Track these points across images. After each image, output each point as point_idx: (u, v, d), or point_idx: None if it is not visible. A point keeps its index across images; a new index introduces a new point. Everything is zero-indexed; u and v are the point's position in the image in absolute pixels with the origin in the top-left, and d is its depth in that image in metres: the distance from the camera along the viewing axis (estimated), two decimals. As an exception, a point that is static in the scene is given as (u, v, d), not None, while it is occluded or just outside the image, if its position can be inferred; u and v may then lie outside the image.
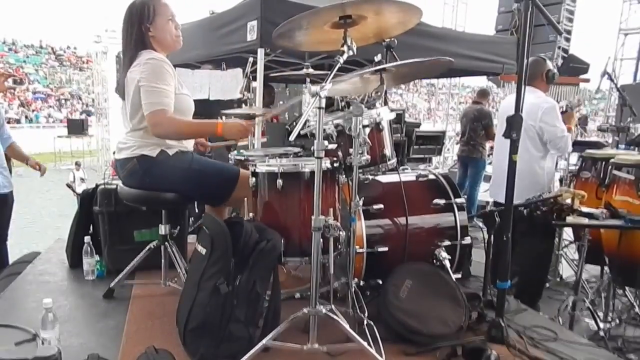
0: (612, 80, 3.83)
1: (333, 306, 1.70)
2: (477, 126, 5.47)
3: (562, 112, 3.12)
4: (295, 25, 1.73)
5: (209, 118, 3.28)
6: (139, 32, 2.00)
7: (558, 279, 3.48)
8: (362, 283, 2.12)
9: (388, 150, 2.06)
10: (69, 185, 3.04)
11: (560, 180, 4.36)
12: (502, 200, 2.92)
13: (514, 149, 1.81)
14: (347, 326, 1.64)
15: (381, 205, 2.13)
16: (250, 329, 1.66)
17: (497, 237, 2.02)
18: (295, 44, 1.91)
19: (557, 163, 3.35)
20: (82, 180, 13.58)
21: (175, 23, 2.07)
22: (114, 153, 2.21)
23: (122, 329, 1.90)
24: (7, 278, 2.54)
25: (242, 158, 2.36)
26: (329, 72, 1.62)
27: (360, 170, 1.93)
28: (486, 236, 2.19)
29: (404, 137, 4.76)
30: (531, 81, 2.84)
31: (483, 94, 5.81)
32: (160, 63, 1.94)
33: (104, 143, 17.77)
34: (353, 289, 1.85)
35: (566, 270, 3.53)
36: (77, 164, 15.17)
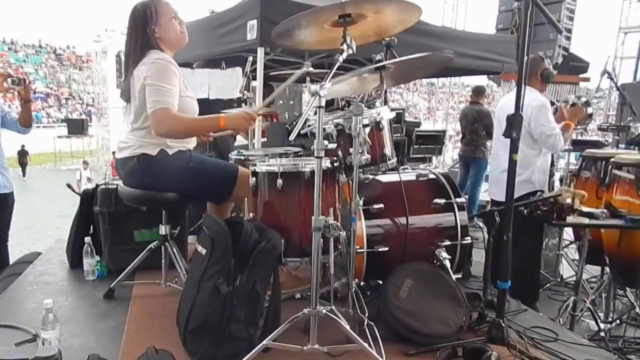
0: (612, 79, 3.83)
1: (333, 306, 1.70)
2: (477, 127, 5.48)
3: (570, 105, 3.11)
4: (295, 24, 1.72)
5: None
6: (145, 35, 2.01)
7: (558, 279, 3.47)
8: (362, 283, 2.12)
9: (388, 149, 2.05)
10: (69, 186, 3.03)
11: (561, 180, 4.36)
12: (497, 198, 2.95)
13: (514, 148, 1.81)
14: (347, 326, 1.63)
15: (381, 205, 2.13)
16: (251, 329, 1.66)
17: (496, 237, 2.02)
18: (295, 43, 1.91)
19: (552, 161, 3.34)
20: (89, 179, 13.63)
21: (179, 19, 2.09)
22: (113, 153, 2.22)
23: (123, 329, 1.90)
24: (8, 278, 2.54)
25: (242, 158, 2.36)
26: (329, 71, 1.61)
27: (361, 170, 1.93)
28: (486, 236, 2.18)
29: (404, 137, 4.74)
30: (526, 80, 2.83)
31: (479, 91, 5.79)
32: (166, 64, 1.95)
33: (104, 143, 17.79)
34: (353, 289, 1.84)
35: (566, 271, 3.53)
36: (85, 163, 15.27)
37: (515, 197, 2.42)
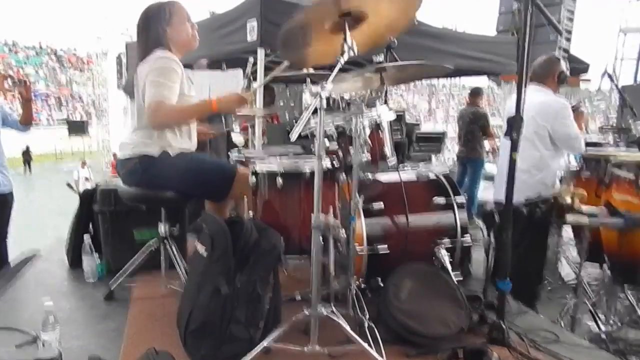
0: (612, 80, 3.82)
1: (334, 307, 1.69)
2: (474, 128, 5.54)
3: (573, 111, 3.10)
4: (296, 28, 1.72)
5: (209, 120, 3.26)
6: (156, 33, 2.02)
7: (559, 280, 3.47)
8: (362, 281, 2.11)
9: (388, 151, 2.05)
10: (69, 185, 3.04)
11: (560, 180, 4.35)
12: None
13: (514, 147, 1.80)
14: (347, 327, 1.63)
15: (381, 204, 2.13)
16: (251, 330, 1.66)
17: (496, 237, 2.01)
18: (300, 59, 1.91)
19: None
20: (87, 179, 13.67)
21: (191, 23, 2.11)
22: (114, 155, 2.23)
23: (123, 330, 1.90)
24: (8, 278, 2.54)
25: (243, 158, 2.35)
26: (330, 72, 1.61)
27: (360, 170, 1.92)
28: (486, 236, 2.18)
29: (404, 138, 4.75)
30: (542, 79, 2.82)
31: (476, 93, 5.84)
32: (170, 62, 1.96)
33: (104, 144, 17.83)
34: (353, 290, 1.84)
35: (566, 270, 3.52)
36: (83, 163, 15.31)
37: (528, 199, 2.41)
